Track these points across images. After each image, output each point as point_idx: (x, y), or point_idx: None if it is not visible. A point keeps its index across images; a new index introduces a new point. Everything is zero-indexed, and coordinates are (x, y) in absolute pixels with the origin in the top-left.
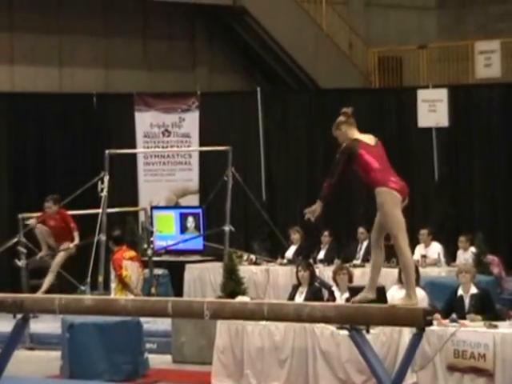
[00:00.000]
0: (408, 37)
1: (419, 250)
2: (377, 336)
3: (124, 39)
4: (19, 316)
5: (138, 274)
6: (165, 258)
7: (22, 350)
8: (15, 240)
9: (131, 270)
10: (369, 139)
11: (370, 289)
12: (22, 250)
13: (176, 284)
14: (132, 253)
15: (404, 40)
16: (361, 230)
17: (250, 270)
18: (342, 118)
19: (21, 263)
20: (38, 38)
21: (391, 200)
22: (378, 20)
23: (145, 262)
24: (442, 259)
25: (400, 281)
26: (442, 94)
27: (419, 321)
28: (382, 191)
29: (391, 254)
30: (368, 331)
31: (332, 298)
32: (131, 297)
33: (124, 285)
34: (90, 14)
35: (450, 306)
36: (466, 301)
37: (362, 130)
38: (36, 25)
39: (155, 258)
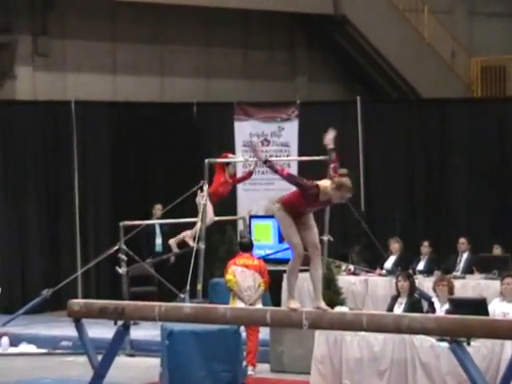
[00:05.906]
0: None
1: None
2: (478, 349)
3: (224, 49)
4: (120, 323)
5: (256, 284)
6: None
7: (122, 356)
8: (116, 247)
9: (241, 277)
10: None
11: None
12: (123, 257)
13: (274, 293)
14: (250, 261)
15: (508, 49)
16: (462, 240)
17: (348, 281)
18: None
19: (121, 270)
20: (140, 49)
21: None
22: (481, 29)
23: (270, 273)
24: None
25: (502, 293)
26: None
27: None
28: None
29: (493, 266)
30: (469, 344)
31: (432, 309)
32: (241, 305)
33: (231, 290)
34: (191, 24)
35: None
36: None
37: (462, 142)
38: (138, 36)
39: None
